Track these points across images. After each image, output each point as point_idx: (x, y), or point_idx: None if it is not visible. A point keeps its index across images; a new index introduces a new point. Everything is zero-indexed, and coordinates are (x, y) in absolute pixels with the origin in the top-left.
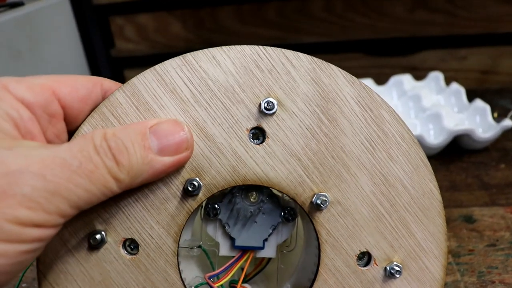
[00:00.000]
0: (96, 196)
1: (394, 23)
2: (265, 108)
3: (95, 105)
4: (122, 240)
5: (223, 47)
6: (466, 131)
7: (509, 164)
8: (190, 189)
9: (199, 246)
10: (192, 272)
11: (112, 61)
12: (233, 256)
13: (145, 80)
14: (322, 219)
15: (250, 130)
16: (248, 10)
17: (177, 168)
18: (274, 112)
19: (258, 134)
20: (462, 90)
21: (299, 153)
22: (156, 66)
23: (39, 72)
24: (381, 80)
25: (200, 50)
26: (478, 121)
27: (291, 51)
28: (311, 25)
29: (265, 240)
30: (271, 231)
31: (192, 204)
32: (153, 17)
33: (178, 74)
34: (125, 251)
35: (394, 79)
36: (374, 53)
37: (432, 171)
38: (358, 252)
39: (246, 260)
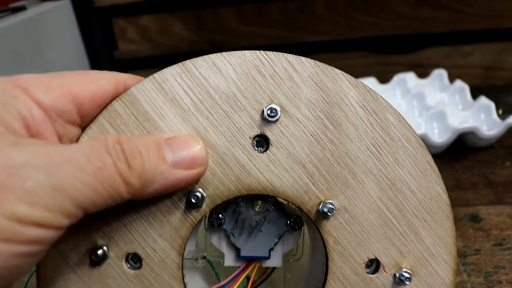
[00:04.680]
0: (102, 197)
1: (398, 20)
2: (268, 115)
3: None
4: (125, 254)
5: (224, 53)
6: (470, 129)
7: None
8: (193, 201)
9: (204, 257)
10: (197, 284)
11: (116, 63)
12: (238, 266)
13: (144, 89)
14: (329, 227)
15: (254, 138)
16: (250, 10)
17: (189, 184)
18: (277, 119)
19: (262, 142)
20: (466, 88)
21: (304, 160)
22: (155, 75)
23: None
24: (385, 78)
25: (200, 57)
26: (483, 119)
27: (293, 55)
28: (314, 24)
29: (271, 249)
30: (277, 240)
31: (196, 216)
32: (155, 19)
33: (177, 82)
34: (128, 266)
35: (397, 78)
36: (378, 51)
37: (439, 174)
38: (367, 260)
39: (252, 270)
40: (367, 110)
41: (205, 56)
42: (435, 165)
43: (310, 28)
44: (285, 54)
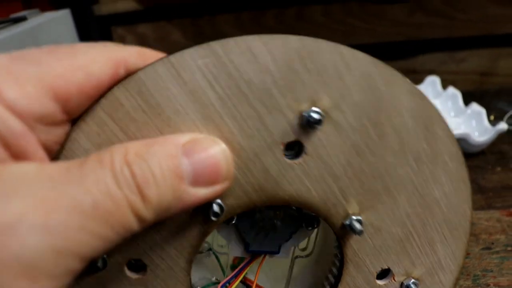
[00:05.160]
0: (111, 242)
1: (393, 27)
2: (309, 121)
3: None
4: (127, 260)
5: (262, 36)
6: (461, 136)
7: (505, 167)
8: (213, 218)
9: (209, 249)
10: (198, 273)
11: None
12: (244, 258)
13: (156, 76)
14: (351, 240)
15: (286, 145)
16: (248, 17)
17: (208, 201)
18: (319, 126)
19: (293, 146)
20: (458, 94)
21: (340, 172)
22: (171, 57)
23: None
24: None
25: (232, 39)
26: (474, 125)
27: (348, 48)
28: (311, 31)
29: (281, 244)
30: (289, 237)
31: (211, 227)
32: (154, 27)
33: (200, 69)
34: (130, 271)
35: None
36: (374, 58)
37: (470, 191)
38: (380, 269)
39: (258, 262)
40: (417, 121)
41: (239, 38)
42: (469, 182)
43: (307, 35)
44: (338, 45)
